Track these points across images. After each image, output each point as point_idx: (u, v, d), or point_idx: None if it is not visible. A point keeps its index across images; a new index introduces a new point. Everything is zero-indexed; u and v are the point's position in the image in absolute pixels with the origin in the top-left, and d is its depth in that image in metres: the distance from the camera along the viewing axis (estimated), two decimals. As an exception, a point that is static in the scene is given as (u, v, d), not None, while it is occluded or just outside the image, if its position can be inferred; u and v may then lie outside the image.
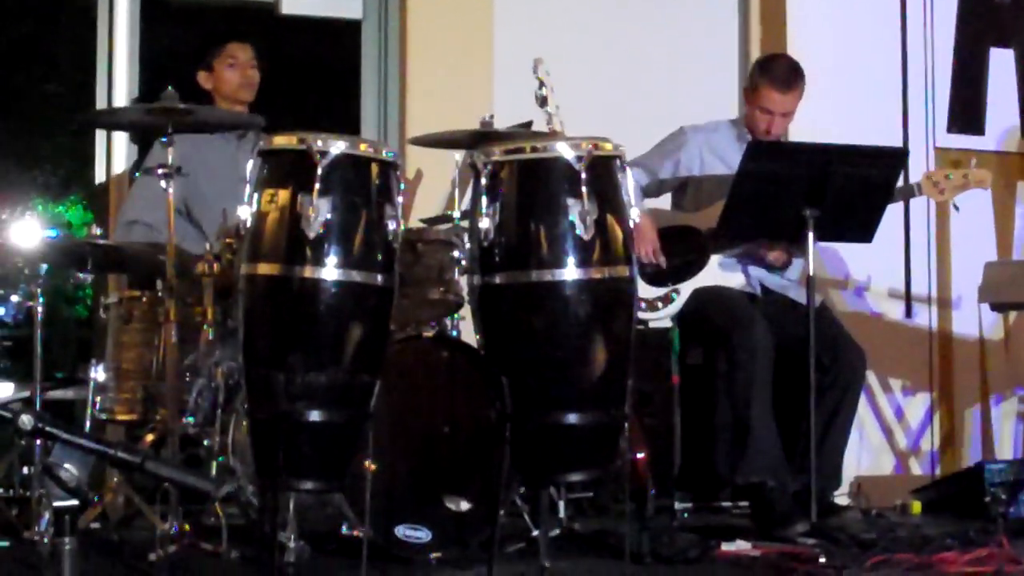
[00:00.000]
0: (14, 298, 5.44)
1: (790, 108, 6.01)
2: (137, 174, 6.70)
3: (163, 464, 3.50)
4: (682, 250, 5.93)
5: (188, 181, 5.38)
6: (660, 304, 5.89)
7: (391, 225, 4.16)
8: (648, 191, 6.11)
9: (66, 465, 4.94)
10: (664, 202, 6.27)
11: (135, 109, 5.64)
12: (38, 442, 4.75)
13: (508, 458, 4.25)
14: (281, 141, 4.17)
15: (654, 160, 6.11)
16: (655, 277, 5.87)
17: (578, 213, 4.13)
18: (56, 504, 4.30)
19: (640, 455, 5.05)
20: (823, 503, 5.46)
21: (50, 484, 4.80)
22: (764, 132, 5.98)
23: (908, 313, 7.47)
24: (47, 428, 3.07)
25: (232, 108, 6.10)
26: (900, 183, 5.91)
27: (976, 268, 6.97)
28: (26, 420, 3.06)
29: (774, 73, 6.02)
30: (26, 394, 5.70)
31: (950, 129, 7.60)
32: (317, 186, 4.04)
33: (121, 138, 6.72)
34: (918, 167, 7.05)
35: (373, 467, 4.27)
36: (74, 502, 4.29)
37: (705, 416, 5.88)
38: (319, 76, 8.87)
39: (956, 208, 6.26)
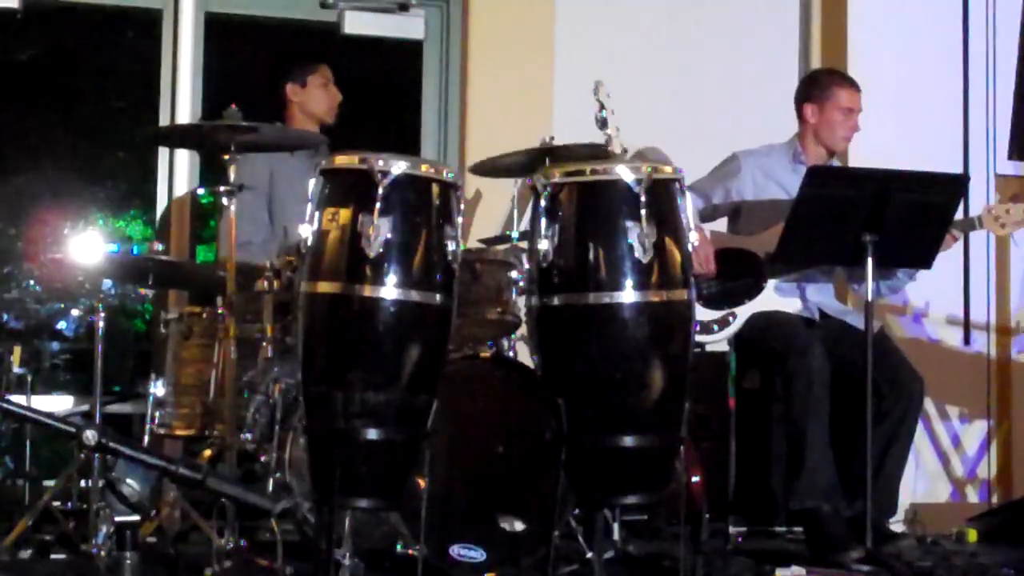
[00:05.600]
0: (75, 312, 5.49)
1: (860, 107, 6.15)
2: (201, 190, 6.76)
3: (224, 481, 3.52)
4: (739, 273, 5.93)
5: (274, 196, 5.53)
6: (716, 327, 5.88)
7: (451, 245, 4.18)
8: (703, 215, 6.11)
9: (128, 480, 4.99)
10: (720, 225, 6.27)
11: (198, 126, 5.69)
12: (97, 456, 4.80)
13: (563, 479, 4.26)
14: (343, 161, 4.20)
15: (707, 185, 6.12)
16: (711, 300, 5.87)
17: (637, 236, 4.14)
18: (118, 519, 4.34)
19: (695, 478, 5.05)
20: (878, 530, 5.42)
21: (112, 498, 4.86)
22: (849, 133, 6.12)
23: (966, 340, 7.42)
24: (110, 444, 3.10)
25: (308, 125, 6.18)
26: (960, 216, 5.88)
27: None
28: (90, 435, 3.09)
29: (840, 76, 6.28)
30: (85, 407, 5.75)
31: (1011, 156, 7.55)
32: (378, 206, 4.06)
33: (183, 155, 6.77)
34: (978, 194, 7.01)
35: (423, 483, 4.29)
36: (135, 517, 4.34)
37: (761, 440, 5.87)
38: (380, 96, 8.89)
39: (1016, 244, 6.25)
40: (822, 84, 6.18)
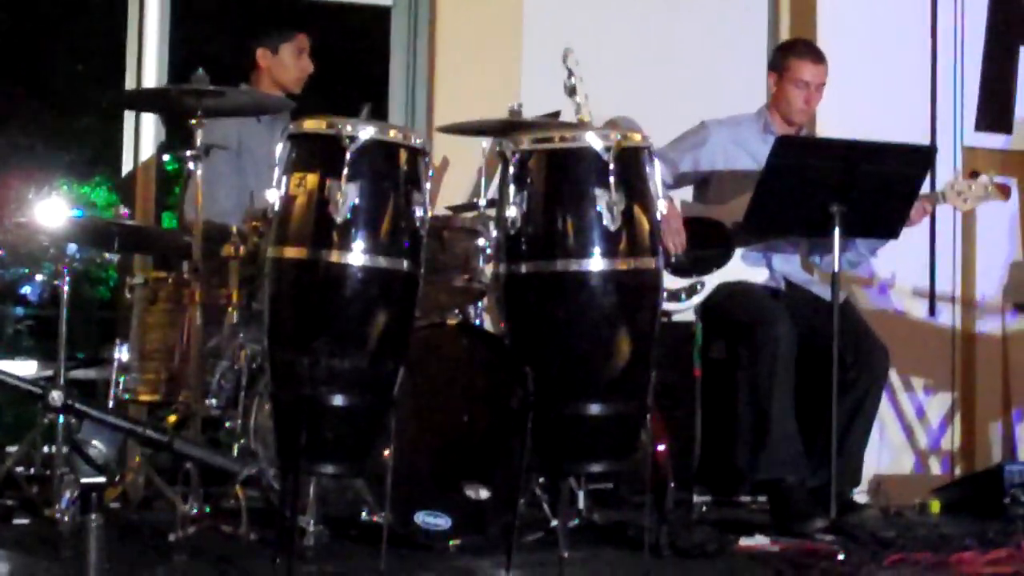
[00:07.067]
0: (39, 277, 5.46)
1: (823, 80, 6.08)
2: (166, 156, 6.72)
3: (190, 443, 3.52)
4: (707, 242, 5.92)
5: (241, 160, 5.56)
6: (684, 295, 5.87)
7: (418, 212, 4.17)
8: (667, 184, 6.09)
9: (94, 442, 4.97)
10: (685, 194, 6.26)
11: (165, 90, 5.66)
12: (62, 420, 4.77)
13: (529, 447, 4.25)
14: (311, 125, 4.17)
15: (675, 153, 6.09)
16: (679, 268, 5.86)
17: (605, 203, 4.13)
18: (84, 481, 4.31)
19: (661, 448, 5.05)
20: (842, 500, 5.44)
21: (77, 462, 4.84)
22: (803, 105, 6.06)
23: (932, 312, 7.45)
24: (76, 405, 3.09)
25: (273, 91, 6.13)
26: (926, 190, 5.89)
27: (1001, 268, 6.96)
28: (56, 396, 3.08)
29: (801, 48, 6.19)
30: (49, 373, 5.72)
31: (978, 127, 7.58)
32: (345, 171, 4.05)
33: (149, 119, 6.73)
34: (946, 165, 7.04)
35: (389, 450, 4.28)
36: (101, 479, 4.31)
37: (726, 410, 5.87)
38: (348, 61, 8.86)
39: None
40: (782, 54, 6.19)
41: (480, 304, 5.26)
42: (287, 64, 6.23)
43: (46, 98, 10.79)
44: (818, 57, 6.11)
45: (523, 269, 4.21)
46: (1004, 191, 6.11)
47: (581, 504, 5.20)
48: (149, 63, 6.76)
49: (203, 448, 3.49)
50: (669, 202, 5.26)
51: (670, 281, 5.76)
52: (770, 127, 6.08)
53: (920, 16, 7.51)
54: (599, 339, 4.17)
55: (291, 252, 4.09)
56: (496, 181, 4.48)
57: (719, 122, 6.16)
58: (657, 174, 4.31)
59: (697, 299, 5.87)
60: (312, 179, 4.09)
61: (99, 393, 6.08)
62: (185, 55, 6.90)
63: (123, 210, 5.36)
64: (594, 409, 4.18)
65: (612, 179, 4.13)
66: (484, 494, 4.78)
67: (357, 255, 4.06)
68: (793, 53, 6.14)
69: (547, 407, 4.20)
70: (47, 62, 10.62)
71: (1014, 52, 7.64)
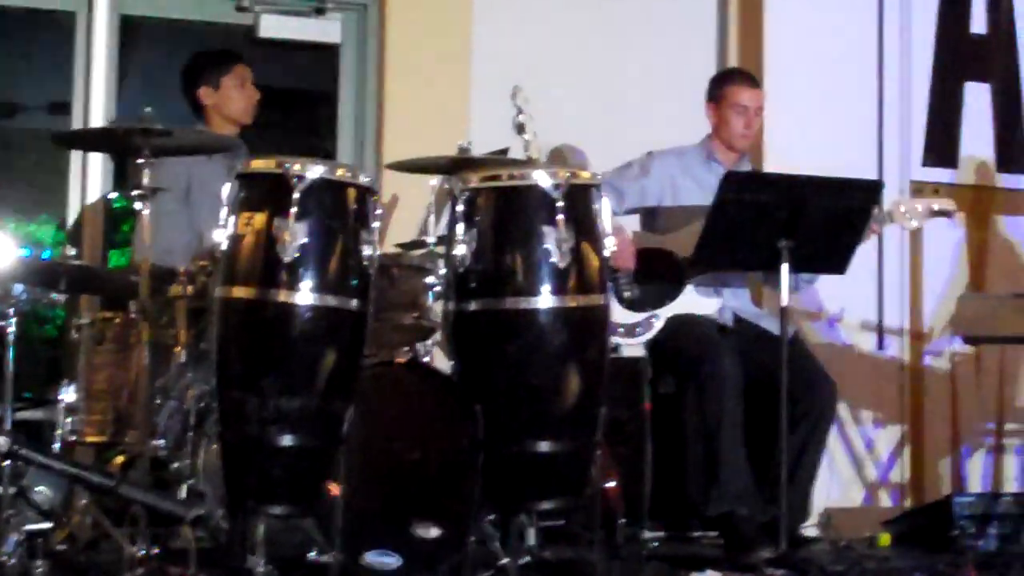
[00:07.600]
0: (-18, 319, 5.39)
1: (760, 103, 6.16)
2: (112, 194, 6.68)
3: (136, 488, 3.50)
4: (660, 275, 5.93)
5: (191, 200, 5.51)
6: (639, 329, 5.87)
7: (367, 250, 4.17)
8: (615, 212, 6.09)
9: (39, 488, 4.92)
10: (633, 222, 6.26)
11: (112, 129, 5.62)
12: (7, 464, 4.72)
13: (479, 485, 4.25)
14: (258, 165, 4.17)
15: (621, 183, 6.08)
16: (633, 303, 5.87)
17: (554, 241, 4.14)
18: (28, 528, 4.27)
19: (611, 483, 5.04)
20: (792, 535, 5.45)
21: (23, 506, 4.79)
22: (744, 130, 6.11)
23: (880, 345, 7.47)
24: (21, 451, 3.06)
25: (226, 127, 6.12)
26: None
27: (948, 301, 7.00)
28: (1, 442, 3.05)
29: (736, 75, 6.36)
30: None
31: (925, 162, 7.63)
32: (294, 210, 4.04)
33: (96, 158, 6.69)
34: (893, 199, 7.06)
35: (337, 491, 4.26)
36: (47, 524, 4.26)
37: (677, 445, 5.87)
38: (296, 100, 8.84)
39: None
40: (718, 83, 6.26)
41: (429, 342, 5.25)
42: (232, 96, 6.21)
43: (-10, 134, 10.71)
44: (753, 82, 6.23)
45: (472, 307, 4.22)
46: (948, 207, 6.11)
47: (531, 541, 5.16)
48: (96, 101, 6.73)
49: (149, 492, 3.46)
50: (620, 230, 5.28)
51: (625, 316, 5.77)
52: (714, 155, 6.12)
53: (867, 52, 7.55)
54: (548, 376, 4.18)
55: (239, 292, 4.08)
56: (445, 218, 4.48)
57: (664, 153, 6.19)
58: (606, 210, 4.32)
59: (652, 334, 5.88)
60: (260, 218, 4.09)
61: (45, 433, 6.03)
62: (134, 93, 6.87)
63: (69, 249, 5.29)
64: (544, 446, 4.19)
65: (561, 217, 4.15)
66: (434, 532, 4.75)
67: (305, 294, 4.05)
68: (729, 81, 6.24)
69: (497, 444, 4.21)
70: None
71: (959, 88, 7.70)
